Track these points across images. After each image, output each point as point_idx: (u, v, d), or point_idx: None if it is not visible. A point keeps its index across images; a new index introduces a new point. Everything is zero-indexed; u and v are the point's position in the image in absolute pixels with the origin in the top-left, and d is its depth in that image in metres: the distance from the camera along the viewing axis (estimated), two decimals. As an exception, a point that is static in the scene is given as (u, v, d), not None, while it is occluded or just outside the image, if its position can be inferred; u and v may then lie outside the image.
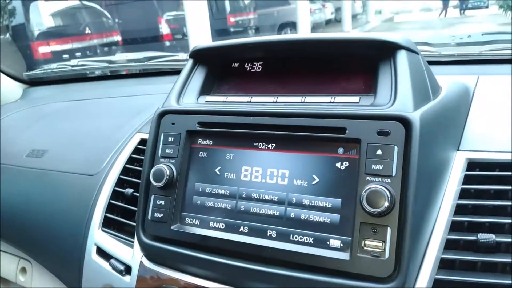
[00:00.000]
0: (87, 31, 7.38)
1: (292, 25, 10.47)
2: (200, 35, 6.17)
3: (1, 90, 1.71)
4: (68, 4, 7.55)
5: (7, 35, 6.41)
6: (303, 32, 9.50)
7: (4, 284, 1.32)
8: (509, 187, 0.67)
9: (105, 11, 8.03)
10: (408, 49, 0.70)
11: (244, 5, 10.19)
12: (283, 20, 10.92)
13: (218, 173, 0.74)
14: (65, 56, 6.66)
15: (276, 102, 0.75)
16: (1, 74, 1.74)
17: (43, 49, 6.54)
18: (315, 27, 11.29)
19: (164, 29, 8.55)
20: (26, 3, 6.62)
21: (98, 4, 7.98)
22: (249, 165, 0.72)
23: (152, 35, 8.21)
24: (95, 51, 7.35)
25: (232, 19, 9.68)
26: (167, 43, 8.53)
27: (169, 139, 0.78)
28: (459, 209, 0.67)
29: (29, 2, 6.68)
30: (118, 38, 7.89)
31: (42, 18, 6.94)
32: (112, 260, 0.85)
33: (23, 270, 1.21)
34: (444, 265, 0.63)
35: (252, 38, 0.81)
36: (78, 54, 6.91)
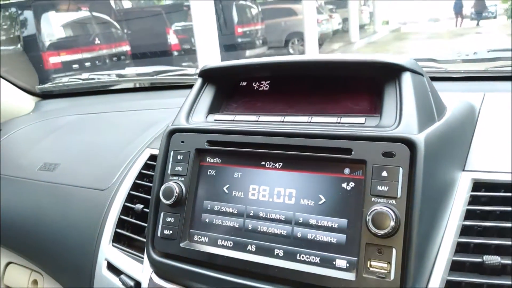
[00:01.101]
0: (97, 41, 7.48)
1: (299, 36, 10.54)
2: (208, 47, 6.24)
3: (14, 103, 1.75)
4: (79, 15, 7.68)
5: (19, 45, 6.53)
6: (310, 42, 9.56)
7: (15, 297, 1.34)
8: (515, 208, 0.68)
9: (114, 22, 8.15)
10: (413, 71, 0.72)
11: (252, 16, 10.27)
12: (291, 30, 11.00)
13: (226, 191, 0.76)
14: (74, 66, 6.75)
15: (283, 122, 0.76)
16: (14, 86, 1.78)
17: (54, 59, 6.64)
18: (322, 38, 11.33)
19: (172, 39, 8.64)
20: (37, 14, 6.74)
21: (108, 15, 8.10)
22: (257, 183, 0.74)
23: (160, 46, 8.30)
24: (104, 61, 7.44)
25: (239, 30, 9.75)
26: (175, 53, 8.61)
27: (179, 157, 0.80)
28: (465, 230, 0.67)
29: (40, 13, 6.80)
30: (127, 48, 7.98)
31: (53, 28, 7.06)
32: (122, 276, 0.86)
33: (35, 282, 1.23)
34: (450, 286, 0.64)
35: (259, 59, 0.83)
36: (87, 64, 7.00)
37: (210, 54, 6.18)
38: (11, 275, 1.30)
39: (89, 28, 7.69)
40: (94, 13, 7.84)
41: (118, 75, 1.79)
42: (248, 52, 9.40)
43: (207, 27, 6.41)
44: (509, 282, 0.61)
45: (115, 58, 7.67)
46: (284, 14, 11.11)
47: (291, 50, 10.66)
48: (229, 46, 8.83)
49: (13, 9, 6.87)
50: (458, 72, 1.20)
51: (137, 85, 1.82)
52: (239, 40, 9.65)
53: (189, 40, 8.44)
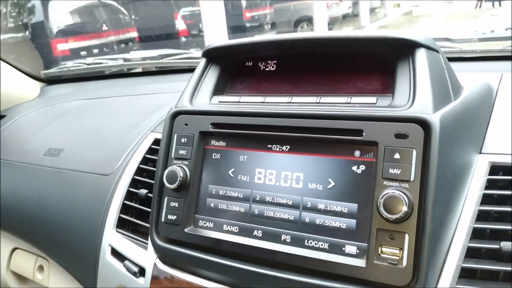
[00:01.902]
0: (104, 28, 7.45)
1: (309, 20, 10.38)
2: (216, 31, 6.18)
3: (19, 88, 1.73)
4: (87, 1, 7.64)
5: (27, 32, 6.53)
6: (320, 27, 9.41)
7: (22, 282, 1.35)
8: (534, 192, 0.64)
9: (122, 8, 8.10)
10: (428, 47, 0.68)
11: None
12: (300, 14, 10.82)
13: (232, 175, 0.73)
14: (82, 53, 6.74)
15: (290, 102, 0.73)
16: (20, 72, 1.76)
17: (62, 47, 6.64)
18: (332, 22, 11.15)
19: (180, 25, 8.57)
20: (45, 2, 6.72)
21: (115, 1, 8.05)
22: (263, 167, 0.71)
23: (168, 31, 8.24)
24: (112, 47, 7.42)
25: (248, 14, 9.64)
26: (183, 39, 8.55)
27: (182, 140, 0.77)
28: (481, 215, 0.64)
29: (48, 0, 6.78)
30: (134, 34, 7.95)
31: (60, 16, 7.04)
32: (126, 262, 0.85)
33: (41, 268, 1.23)
34: (464, 274, 0.61)
35: (266, 36, 0.79)
36: (95, 51, 6.98)
37: (218, 39, 6.12)
38: (17, 261, 1.30)
39: (97, 14, 7.66)
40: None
41: (124, 59, 1.76)
42: (256, 36, 9.30)
43: (215, 12, 6.33)
44: (529, 270, 0.58)
45: (122, 45, 7.65)
46: (293, -2, 10.93)
47: (300, 35, 10.51)
48: (237, 31, 8.73)
49: (21, -4, 6.85)
50: (474, 52, 1.15)
51: (143, 70, 1.80)
52: (248, 24, 9.55)
53: (197, 25, 8.38)
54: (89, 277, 0.96)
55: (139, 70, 1.76)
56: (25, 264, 1.26)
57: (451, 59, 1.16)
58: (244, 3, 9.50)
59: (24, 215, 1.18)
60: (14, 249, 1.30)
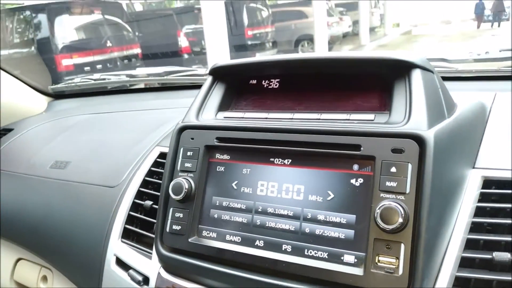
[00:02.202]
0: (109, 44, 7.57)
1: (309, 39, 10.53)
2: (218, 49, 6.27)
3: (27, 102, 1.78)
4: (92, 18, 7.78)
5: (33, 48, 6.64)
6: (320, 45, 9.54)
7: (26, 292, 1.36)
8: (525, 206, 0.67)
9: (126, 25, 8.24)
10: (423, 68, 0.71)
11: (262, 18, 10.31)
12: (301, 33, 11.01)
13: (235, 187, 0.76)
14: (86, 68, 6.84)
15: (292, 118, 0.77)
16: (28, 87, 1.81)
17: (66, 62, 6.74)
18: (332, 41, 11.32)
19: (183, 42, 8.70)
20: (51, 17, 6.85)
21: (120, 18, 8.20)
22: (265, 180, 0.74)
23: (171, 48, 8.37)
24: (115, 63, 7.53)
25: (250, 33, 9.79)
26: (186, 56, 8.67)
27: (188, 153, 0.80)
28: (475, 227, 0.67)
29: (54, 16, 6.91)
30: (138, 51, 8.07)
31: (66, 31, 7.16)
32: (131, 271, 0.87)
33: (44, 278, 1.24)
34: (459, 283, 0.63)
35: (269, 57, 0.83)
36: (99, 66, 7.08)
37: (220, 56, 6.21)
38: (21, 271, 1.31)
39: (101, 31, 7.79)
40: (107, 16, 7.94)
41: (129, 76, 1.81)
42: (257, 55, 9.42)
43: (218, 30, 6.45)
44: (520, 280, 0.61)
45: (126, 61, 7.76)
46: (294, 17, 11.13)
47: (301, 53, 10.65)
48: (239, 49, 8.86)
49: (28, 12, 6.99)
50: (470, 72, 1.20)
51: (148, 86, 1.84)
52: (249, 42, 9.69)
53: (200, 43, 8.50)
54: (93, 287, 0.98)
55: (145, 86, 1.81)
56: (29, 274, 1.28)
57: (447, 79, 1.21)
58: (246, 21, 9.66)
59: (30, 226, 1.20)
60: (18, 259, 1.31)
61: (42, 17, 6.85)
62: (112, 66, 7.43)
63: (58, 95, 1.88)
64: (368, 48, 11.85)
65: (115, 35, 7.84)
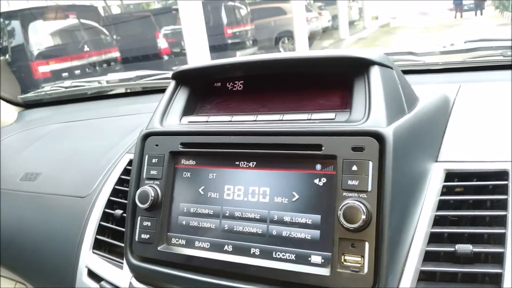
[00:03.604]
0: (86, 48, 7.45)
1: (289, 34, 10.54)
2: (198, 49, 6.24)
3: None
4: (67, 23, 7.65)
5: (7, 56, 6.49)
6: (301, 41, 9.57)
7: (1, 308, 1.33)
8: (487, 197, 0.68)
9: (103, 28, 8.12)
10: (382, 64, 0.72)
11: (241, 16, 10.27)
12: (280, 30, 11.00)
13: (202, 192, 0.76)
14: (64, 74, 6.72)
15: (256, 120, 0.76)
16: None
17: (43, 69, 6.61)
18: (312, 36, 11.35)
19: (162, 43, 8.62)
20: (24, 24, 6.71)
21: (96, 22, 8.08)
22: (232, 184, 0.74)
23: (150, 50, 8.28)
24: (94, 68, 7.42)
25: (229, 31, 9.75)
26: (166, 58, 8.60)
27: (153, 160, 0.79)
28: (438, 220, 0.68)
29: (28, 23, 6.76)
30: (116, 54, 7.96)
31: (41, 37, 7.02)
32: (103, 282, 0.86)
33: (19, 293, 1.22)
34: (425, 276, 0.64)
35: (232, 59, 0.83)
36: (77, 72, 6.97)
37: (200, 57, 6.17)
38: (-4, 287, 1.29)
39: (78, 35, 7.66)
40: (82, 20, 7.81)
41: (101, 82, 1.78)
42: (238, 53, 9.40)
43: (196, 30, 6.40)
44: (483, 270, 0.62)
45: (105, 65, 7.65)
46: (273, 14, 11.12)
47: (281, 49, 10.67)
48: (219, 48, 8.82)
49: (0, 20, 6.83)
50: (436, 64, 1.21)
51: (122, 91, 1.81)
52: (229, 41, 9.65)
53: (179, 44, 8.43)
54: (66, 300, 0.96)
55: (117, 91, 1.78)
56: (3, 290, 1.25)
57: (414, 71, 1.22)
58: (225, 20, 9.62)
59: (2, 241, 1.17)
60: (-8, 275, 1.29)
61: (16, 24, 6.70)
62: (91, 71, 7.32)
63: (28, 105, 1.84)
64: (347, 42, 11.93)
65: (92, 39, 7.72)
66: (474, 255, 0.62)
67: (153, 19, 9.11)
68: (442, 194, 0.70)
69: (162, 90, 1.62)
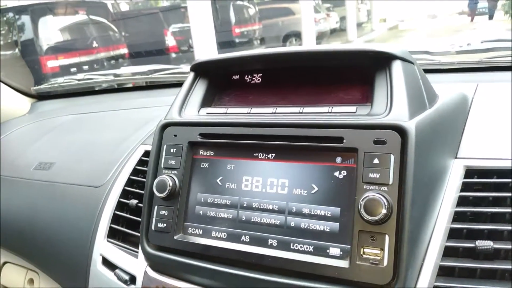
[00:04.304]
0: (94, 44, 7.49)
1: (297, 35, 10.54)
2: (206, 47, 6.25)
3: (10, 104, 1.75)
4: (76, 19, 7.69)
5: (16, 50, 6.54)
6: (308, 42, 9.56)
7: (12, 296, 1.34)
8: (507, 194, 0.68)
9: (111, 25, 8.16)
10: (404, 59, 0.72)
11: (249, 16, 10.28)
12: (288, 30, 11.00)
13: (220, 183, 0.76)
14: (72, 69, 6.75)
15: (275, 113, 0.76)
16: (10, 88, 1.78)
17: (52, 63, 6.65)
18: (320, 37, 11.34)
19: (170, 41, 8.65)
20: (34, 19, 6.75)
21: (105, 18, 8.11)
22: (250, 175, 0.74)
23: (158, 47, 8.31)
24: (102, 64, 7.45)
25: (237, 30, 9.77)
26: (173, 55, 8.62)
27: (172, 150, 0.80)
28: (458, 216, 0.67)
29: (38, 18, 6.81)
30: (124, 51, 8.00)
31: (50, 32, 7.06)
32: (117, 270, 0.86)
33: (31, 281, 1.23)
34: (443, 272, 0.64)
35: (251, 51, 0.83)
36: (85, 67, 7.00)
37: (207, 55, 6.18)
38: (8, 275, 1.30)
39: (87, 31, 7.70)
40: (92, 17, 7.85)
41: (114, 75, 1.79)
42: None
43: (205, 28, 6.42)
44: (502, 266, 0.61)
45: (113, 61, 7.68)
46: (281, 14, 11.12)
47: (289, 50, 10.65)
48: (226, 46, 8.83)
49: (11, 14, 6.87)
50: (452, 64, 1.21)
51: (133, 85, 1.82)
52: (237, 40, 9.66)
53: (187, 41, 8.45)
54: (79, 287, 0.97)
55: (129, 85, 1.79)
56: (15, 277, 1.26)
57: (430, 71, 1.22)
58: (233, 19, 9.63)
59: (16, 229, 1.18)
60: (5, 263, 1.30)
61: (26, 19, 6.74)
62: (99, 66, 7.35)
63: (41, 96, 1.86)
64: (350, 43, 11.90)
65: (100, 35, 7.76)
66: (494, 251, 0.62)
67: (161, 17, 9.13)
68: (462, 190, 0.70)
69: (175, 85, 1.64)
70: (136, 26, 9.10)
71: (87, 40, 7.50)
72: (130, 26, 8.99)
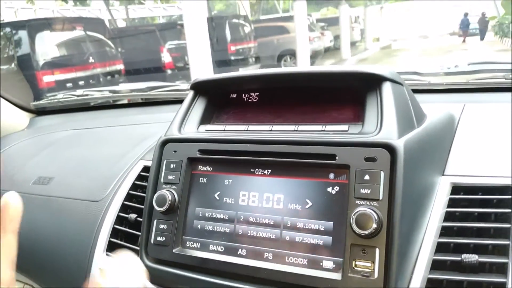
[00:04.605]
0: (91, 60, 7.55)
1: (292, 54, 10.70)
2: (201, 64, 6.33)
3: (8, 119, 1.77)
4: (73, 34, 7.76)
5: (13, 65, 6.57)
6: (302, 60, 9.70)
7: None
8: (492, 210, 0.71)
9: (108, 41, 8.24)
10: (393, 81, 0.76)
11: (245, 34, 10.44)
12: (283, 48, 11.18)
13: (218, 198, 0.79)
14: (68, 85, 6.79)
15: (271, 130, 0.80)
16: (8, 103, 1.80)
17: (48, 78, 6.68)
18: (314, 55, 11.52)
19: (166, 58, 8.74)
20: (31, 34, 6.81)
21: (102, 34, 8.20)
22: (247, 190, 0.77)
23: (154, 64, 8.39)
24: (98, 79, 7.50)
25: (233, 48, 9.89)
26: (169, 72, 8.70)
27: (171, 166, 0.83)
28: (445, 231, 0.71)
29: (35, 33, 6.87)
30: (121, 67, 8.06)
31: (47, 48, 7.12)
32: (116, 283, 0.88)
33: (27, 295, 1.23)
34: (431, 284, 0.66)
35: (249, 72, 0.87)
36: (81, 82, 7.05)
37: (203, 72, 6.26)
38: (4, 289, 1.30)
39: (84, 47, 7.77)
40: (89, 32, 7.93)
41: (112, 91, 1.82)
42: (241, 70, 9.51)
43: (201, 45, 6.51)
44: (487, 279, 0.64)
45: (109, 77, 7.74)
46: (276, 32, 11.30)
47: (283, 67, 10.79)
48: (222, 64, 8.94)
49: (7, 29, 6.93)
50: (440, 85, 1.26)
51: (131, 101, 1.86)
52: (232, 57, 9.78)
53: (183, 58, 8.55)
54: (77, 302, 0.98)
55: (127, 101, 1.82)
56: (11, 292, 1.26)
57: (419, 91, 1.27)
58: (229, 37, 9.77)
59: (13, 242, 1.19)
60: (1, 277, 1.30)
61: (23, 34, 6.80)
62: (95, 82, 7.40)
63: (40, 112, 1.88)
64: (349, 62, 12.09)
65: (97, 51, 7.83)
66: (479, 265, 0.65)
67: (158, 34, 9.25)
68: (449, 206, 0.73)
69: (172, 101, 1.67)
70: (133, 43, 9.21)
71: (84, 55, 7.56)
72: (126, 42, 9.09)
